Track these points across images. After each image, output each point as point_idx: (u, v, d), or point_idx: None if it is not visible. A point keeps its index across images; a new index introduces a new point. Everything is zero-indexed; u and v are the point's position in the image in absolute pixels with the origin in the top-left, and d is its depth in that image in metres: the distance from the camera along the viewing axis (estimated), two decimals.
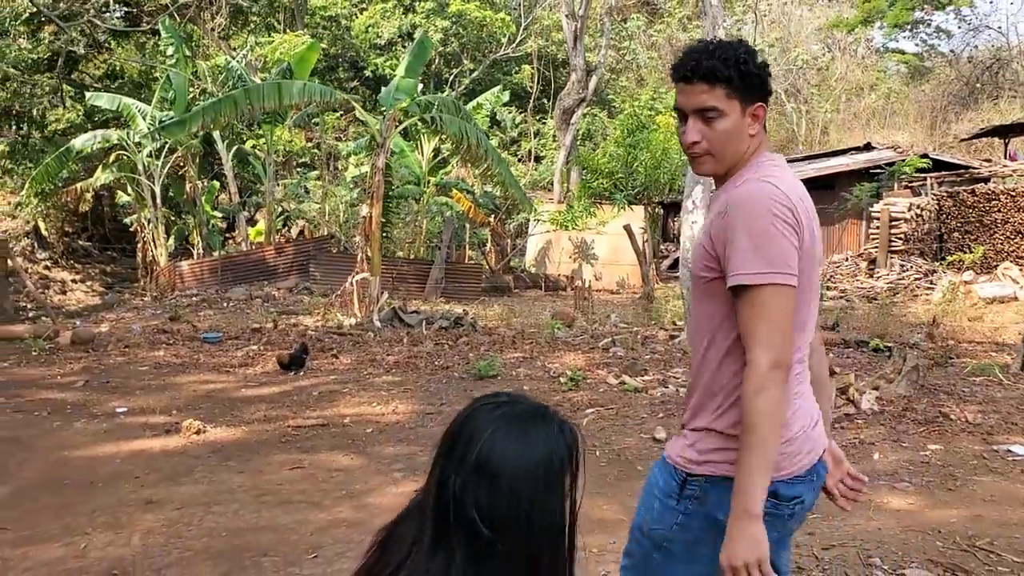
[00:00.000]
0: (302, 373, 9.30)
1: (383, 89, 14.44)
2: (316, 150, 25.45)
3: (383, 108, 13.47)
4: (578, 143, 27.48)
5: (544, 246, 21.43)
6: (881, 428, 6.68)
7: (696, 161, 2.10)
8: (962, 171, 20.69)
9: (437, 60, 32.52)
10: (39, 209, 23.60)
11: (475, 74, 32.56)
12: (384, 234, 13.45)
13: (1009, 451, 6.14)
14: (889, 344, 10.01)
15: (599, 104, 33.56)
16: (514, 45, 32.92)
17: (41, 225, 25.44)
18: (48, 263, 26.09)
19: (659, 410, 7.43)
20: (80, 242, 27.82)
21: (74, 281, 25.69)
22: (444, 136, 13.25)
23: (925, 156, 23.05)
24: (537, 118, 32.81)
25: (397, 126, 13.33)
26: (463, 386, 8.56)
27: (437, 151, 19.92)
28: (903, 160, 21.82)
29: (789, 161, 26.23)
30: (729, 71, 2.01)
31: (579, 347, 10.85)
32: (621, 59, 36.59)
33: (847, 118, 41.77)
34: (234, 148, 21.49)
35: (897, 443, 6.30)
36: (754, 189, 2.00)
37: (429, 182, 19.28)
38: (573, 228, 19.11)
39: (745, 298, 1.96)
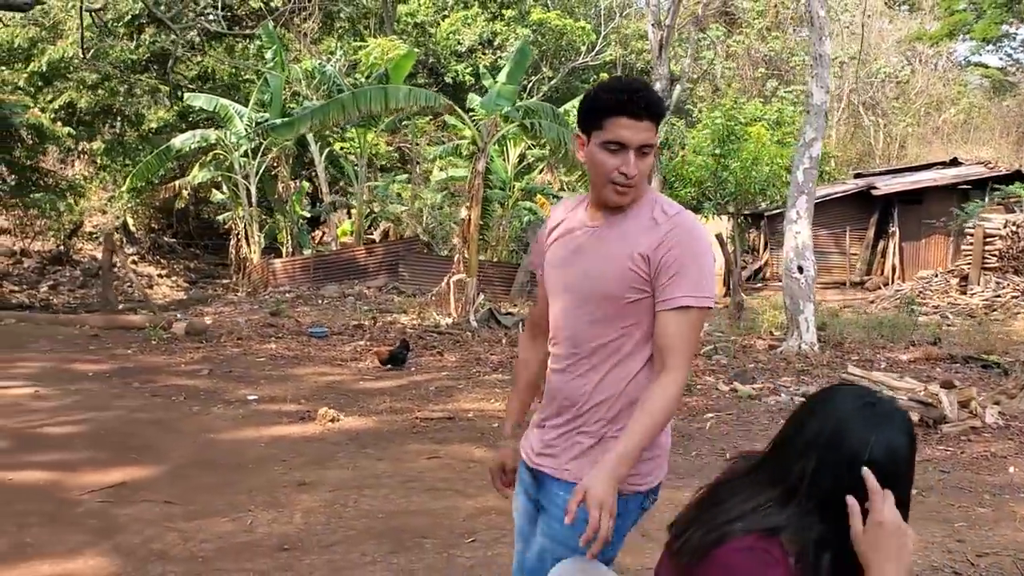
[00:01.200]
0: (402, 370, 9.50)
1: (484, 94, 14.72)
2: (395, 153, 25.89)
3: (481, 113, 13.73)
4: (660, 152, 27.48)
5: None
6: (1010, 442, 6.64)
7: (624, 193, 2.13)
8: None
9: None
10: (128, 205, 24.36)
11: (554, 82, 32.72)
12: (480, 237, 13.69)
13: None
14: (999, 360, 9.88)
15: (676, 113, 33.47)
16: (593, 54, 33.01)
17: (129, 221, 26.28)
18: (135, 258, 26.95)
19: (778, 417, 7.48)
20: (165, 238, 28.65)
21: (160, 276, 26.46)
22: (542, 142, 13.44)
23: (1018, 172, 22.60)
24: None
25: (497, 131, 13.58)
26: None
27: (522, 157, 20.14)
28: (994, 174, 21.46)
29: (872, 175, 25.92)
30: (663, 112, 2.16)
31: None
32: (698, 69, 36.44)
33: (926, 132, 40.96)
34: (326, 150, 21.99)
35: None
36: (695, 224, 2.16)
37: (514, 187, 19.50)
38: None
39: (684, 317, 2.10)
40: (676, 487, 5.60)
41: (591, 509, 1.93)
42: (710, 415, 7.47)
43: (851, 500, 1.61)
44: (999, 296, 16.48)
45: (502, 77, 14.40)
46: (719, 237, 15.24)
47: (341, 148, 22.74)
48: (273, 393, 8.13)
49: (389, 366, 9.56)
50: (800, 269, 11.04)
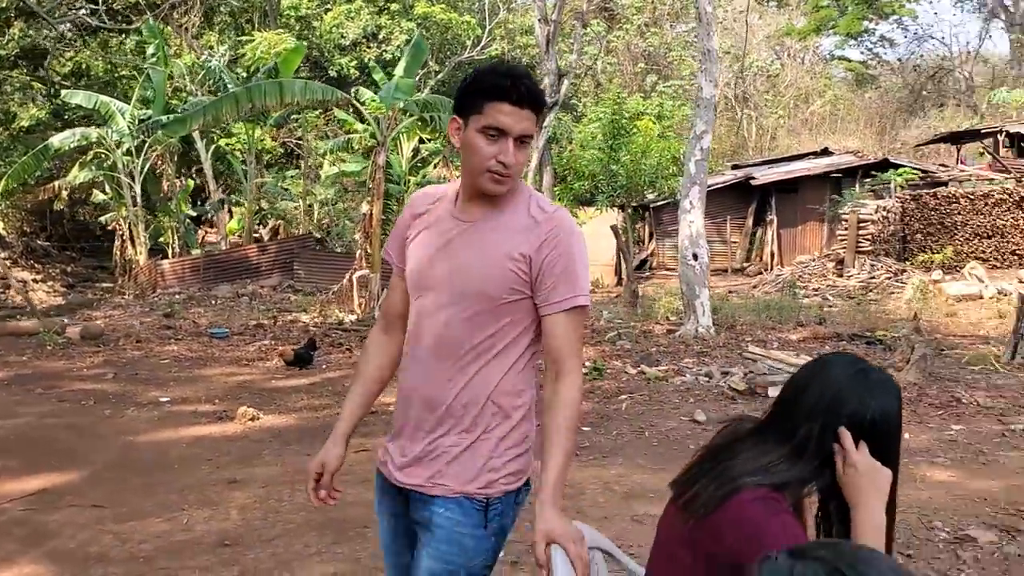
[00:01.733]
0: (311, 368, 9.42)
1: (374, 88, 14.71)
2: (280, 148, 25.42)
3: (379, 106, 13.70)
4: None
5: None
6: (903, 411, 7.14)
7: (500, 182, 2.04)
8: (925, 175, 21.55)
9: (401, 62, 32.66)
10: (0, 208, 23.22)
11: (440, 76, 32.74)
12: (382, 232, 13.70)
13: None
14: (881, 337, 10.55)
15: (563, 108, 34.00)
16: (478, 48, 33.17)
17: (0, 224, 25.04)
18: (8, 263, 25.67)
19: (688, 396, 7.83)
20: (39, 242, 27.39)
21: (35, 280, 25.30)
22: (441, 135, 13.52)
23: (886, 161, 23.98)
24: None
25: (396, 125, 13.59)
26: None
27: (416, 151, 20.14)
28: (864, 163, 22.75)
29: (748, 166, 26.97)
30: (544, 102, 2.08)
31: (585, 340, 11.21)
32: (582, 64, 37.10)
33: (796, 124, 42.75)
34: (212, 147, 21.44)
35: (923, 424, 6.78)
36: (573, 222, 2.13)
37: (409, 181, 19.50)
38: None
39: (572, 317, 2.07)
40: (602, 465, 5.86)
41: (568, 546, 1.92)
42: (624, 397, 7.76)
43: (836, 448, 1.82)
44: (874, 278, 17.48)
45: (399, 71, 14.41)
46: (614, 229, 15.67)
47: (227, 144, 22.22)
48: (185, 394, 8.00)
49: (298, 367, 9.44)
50: (695, 256, 11.50)
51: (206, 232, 26.40)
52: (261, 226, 24.24)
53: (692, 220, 11.70)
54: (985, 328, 12.24)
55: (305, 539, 4.60)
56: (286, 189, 23.11)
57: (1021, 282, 15.37)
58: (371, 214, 13.04)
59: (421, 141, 20.34)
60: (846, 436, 1.83)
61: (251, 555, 4.33)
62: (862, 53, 49.07)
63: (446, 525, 2.08)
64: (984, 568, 4.25)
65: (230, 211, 25.02)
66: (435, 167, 20.34)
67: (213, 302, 16.89)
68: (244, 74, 21.69)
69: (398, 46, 31.49)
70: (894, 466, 1.86)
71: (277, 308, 15.33)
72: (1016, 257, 18.24)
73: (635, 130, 18.59)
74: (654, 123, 19.44)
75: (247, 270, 20.09)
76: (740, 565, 1.75)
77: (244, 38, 22.56)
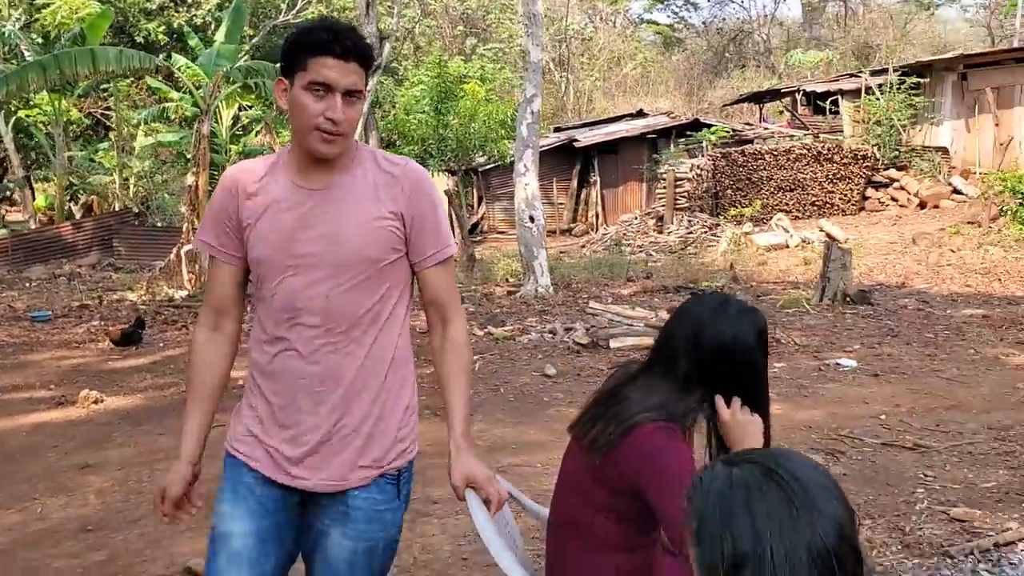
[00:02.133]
0: (142, 347, 9.09)
1: (189, 54, 14.12)
2: (88, 119, 23.93)
3: (198, 73, 13.18)
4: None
5: None
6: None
7: (330, 141, 1.96)
8: (733, 134, 22.86)
9: (213, 26, 31.30)
10: None
11: (255, 40, 31.61)
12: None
13: (838, 364, 7.38)
14: (705, 287, 11.26)
15: (384, 72, 33.62)
16: (294, 12, 32.23)
17: None
18: None
19: (536, 352, 8.14)
20: None
21: None
22: (268, 102, 13.15)
23: (697, 121, 25.24)
24: None
25: (220, 92, 13.10)
26: None
27: (236, 118, 19.47)
28: (677, 123, 23.88)
29: (570, 128, 27.71)
30: (371, 57, 2.00)
31: None
32: (402, 28, 36.76)
33: (610, 87, 44.10)
34: (11, 120, 19.88)
35: None
36: (424, 170, 2.13)
37: (231, 150, 18.86)
38: None
39: (447, 266, 2.13)
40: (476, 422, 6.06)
41: (488, 488, 2.02)
42: (476, 357, 7.96)
43: (718, 399, 2.06)
44: (691, 232, 18.49)
45: (220, 36, 13.88)
46: (448, 193, 15.81)
47: (28, 116, 20.67)
48: (15, 381, 7.56)
49: (127, 346, 9.04)
50: (531, 218, 11.83)
51: (6, 211, 24.55)
52: (72, 202, 22.77)
53: (527, 183, 12.01)
54: (794, 274, 13.28)
55: None
56: (98, 162, 21.78)
57: (822, 231, 16.68)
58: (196, 185, 12.58)
59: (241, 108, 19.67)
60: (719, 401, 2.07)
61: (119, 537, 4.25)
62: (668, 16, 51.17)
63: (364, 507, 2.05)
64: None
65: (32, 188, 23.34)
66: (257, 135, 19.75)
67: (27, 284, 15.81)
68: (42, 41, 20.20)
69: (209, 10, 30.17)
70: (761, 392, 2.11)
71: (100, 288, 14.55)
72: (816, 208, 19.73)
73: (462, 93, 18.72)
74: (480, 86, 19.64)
75: (62, 249, 18.89)
76: (639, 489, 1.97)
77: (40, 1, 20.96)
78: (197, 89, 12.77)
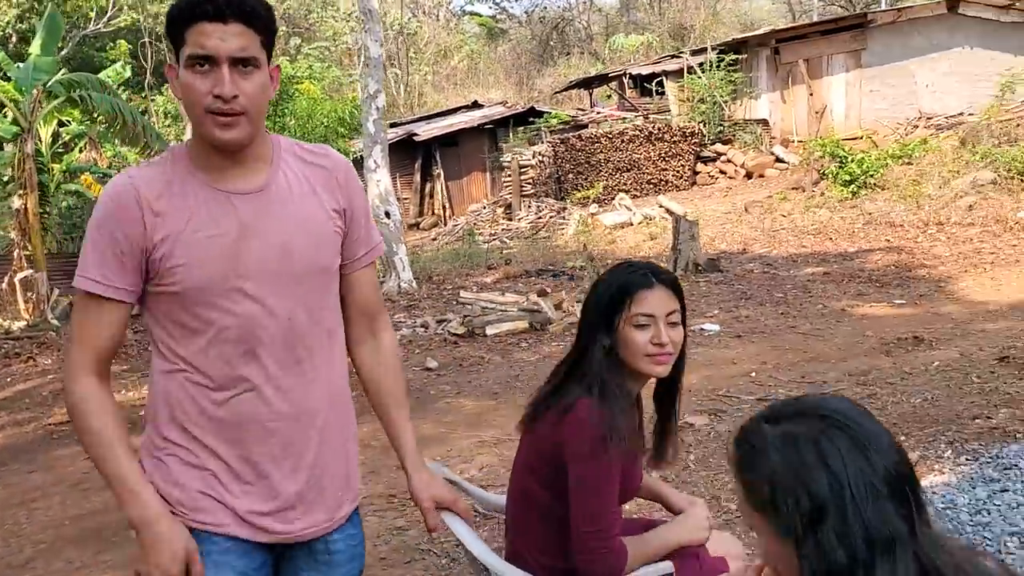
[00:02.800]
0: None
1: (16, 68, 13.21)
2: None
3: (15, 89, 12.35)
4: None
5: None
6: None
7: (228, 124, 1.64)
8: (569, 120, 23.44)
9: (14, 39, 29.35)
10: None
11: (65, 52, 29.85)
12: (43, 226, 12.44)
13: (703, 329, 7.77)
14: (563, 269, 11.57)
15: None
16: (105, 19, 30.66)
17: None
18: None
19: (413, 347, 8.15)
20: None
21: None
22: (96, 116, 12.46)
23: (532, 109, 25.73)
24: (142, 95, 30.99)
25: (42, 108, 12.32)
26: None
27: (56, 135, 18.32)
28: (513, 112, 24.29)
29: (407, 123, 27.66)
30: (265, 16, 1.69)
31: None
32: None
33: (440, 80, 44.26)
34: None
35: None
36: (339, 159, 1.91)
37: (53, 168, 17.76)
38: None
39: (373, 268, 1.97)
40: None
41: (457, 506, 2.02)
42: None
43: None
44: (540, 217, 18.87)
45: (35, 48, 13.00)
46: None
47: None
48: None
49: None
50: (387, 214, 11.79)
51: None
52: None
53: (379, 179, 11.95)
54: (643, 249, 13.81)
55: (65, 555, 4.34)
56: None
57: (662, 206, 17.39)
58: (26, 208, 11.81)
59: (61, 124, 18.53)
60: None
61: None
62: (490, 7, 51.76)
63: (345, 549, 1.90)
64: (705, 446, 5.02)
65: None
66: (81, 151, 18.68)
67: None
68: None
69: (8, 22, 28.34)
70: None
71: None
72: (652, 186, 20.54)
73: (297, 94, 18.39)
74: (315, 85, 19.34)
75: None
76: (565, 460, 2.06)
77: None
78: (16, 106, 11.97)
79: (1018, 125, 16.33)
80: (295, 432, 1.77)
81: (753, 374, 6.42)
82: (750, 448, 1.21)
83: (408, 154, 25.15)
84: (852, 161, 15.36)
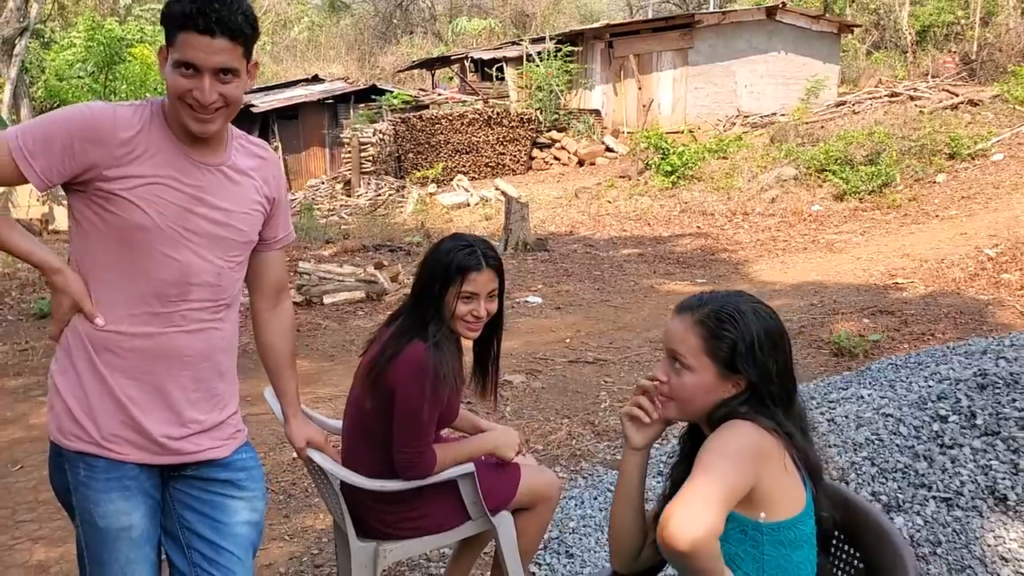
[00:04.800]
0: None
1: None
2: None
3: None
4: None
5: (5, 191, 19.78)
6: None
7: (204, 121, 1.91)
8: (412, 100, 23.73)
9: None
10: None
11: None
12: None
13: (527, 301, 8.44)
14: (400, 245, 12.01)
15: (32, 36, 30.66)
16: None
17: None
18: None
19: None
20: None
21: None
22: None
23: (374, 87, 25.83)
24: None
25: None
26: (27, 324, 8.51)
27: None
28: (355, 89, 24.36)
29: (246, 93, 27.49)
30: (249, 30, 1.90)
31: None
32: None
33: (279, 51, 43.36)
34: None
35: None
36: (273, 154, 2.23)
37: None
38: None
39: (283, 250, 2.31)
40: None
41: (326, 448, 2.53)
42: None
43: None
44: (380, 195, 19.17)
45: None
46: None
47: None
48: None
49: None
50: None
51: None
52: None
53: None
54: (478, 228, 14.44)
55: None
56: None
57: (498, 189, 18.07)
58: None
59: None
60: None
61: None
62: None
63: (252, 465, 2.18)
64: (520, 400, 5.64)
65: None
66: None
67: None
68: None
69: None
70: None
71: None
72: (489, 169, 21.20)
73: (130, 58, 17.85)
74: (150, 50, 18.82)
75: None
76: (395, 390, 2.56)
77: None
78: None
79: (821, 127, 17.96)
80: (204, 369, 2.06)
81: (567, 340, 7.12)
82: (723, 313, 1.79)
83: (244, 125, 24.66)
84: (673, 153, 16.50)
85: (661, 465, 3.99)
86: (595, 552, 3.43)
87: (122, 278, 1.96)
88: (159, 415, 2.01)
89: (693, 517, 1.49)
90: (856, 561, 1.80)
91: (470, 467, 2.68)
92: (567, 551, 3.47)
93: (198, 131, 1.93)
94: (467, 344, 2.77)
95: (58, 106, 18.86)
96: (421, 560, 3.55)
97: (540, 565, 3.38)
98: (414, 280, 2.72)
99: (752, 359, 1.72)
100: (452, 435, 3.00)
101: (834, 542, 1.85)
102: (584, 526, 3.64)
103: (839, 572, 1.84)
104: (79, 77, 20.52)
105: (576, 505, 3.84)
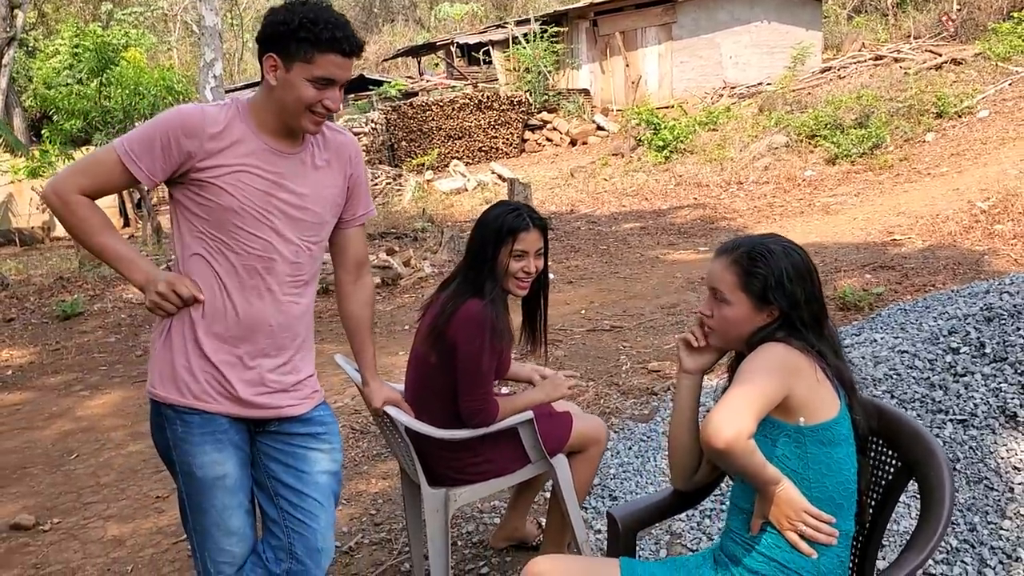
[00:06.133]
0: None
1: None
2: None
3: None
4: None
5: (5, 200, 19.92)
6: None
7: (319, 123, 2.19)
8: (403, 88, 23.88)
9: None
10: None
11: None
12: None
13: None
14: (407, 232, 12.23)
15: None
16: None
17: None
18: None
19: None
20: None
21: None
22: None
23: (362, 76, 25.98)
24: None
25: None
26: (53, 325, 8.73)
27: None
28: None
29: (231, 91, 27.34)
30: (363, 48, 2.20)
31: None
32: None
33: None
34: None
35: None
36: (351, 136, 2.45)
37: None
38: (42, 176, 18.34)
39: (363, 226, 2.52)
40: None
41: (403, 404, 2.82)
42: None
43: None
44: (377, 184, 19.32)
45: None
46: None
47: None
48: None
49: None
50: None
51: None
52: None
53: None
54: (479, 212, 14.61)
55: None
56: None
57: (494, 173, 18.29)
58: None
59: None
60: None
61: None
62: None
63: (330, 421, 2.44)
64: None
65: None
66: None
67: None
68: None
69: None
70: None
71: None
72: (483, 153, 21.40)
73: (123, 62, 17.97)
74: (141, 54, 18.94)
75: None
76: (457, 343, 2.81)
77: None
78: None
79: (808, 93, 18.18)
80: (279, 338, 2.29)
81: (583, 311, 7.38)
82: (755, 253, 2.02)
83: None
84: (665, 128, 16.73)
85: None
86: (635, 494, 3.70)
87: (215, 255, 2.20)
88: (244, 376, 2.25)
89: (728, 420, 1.74)
90: (895, 460, 2.06)
91: (529, 414, 2.93)
92: (610, 495, 3.74)
93: (314, 131, 2.21)
94: (515, 306, 3.02)
95: (52, 114, 19.12)
96: (474, 512, 3.81)
97: (587, 509, 3.64)
98: (467, 246, 2.96)
99: (782, 290, 1.97)
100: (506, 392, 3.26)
101: (873, 445, 2.11)
102: (624, 472, 3.91)
103: (880, 470, 2.10)
104: (67, 84, 20.61)
105: (613, 455, 4.10)
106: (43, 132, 18.83)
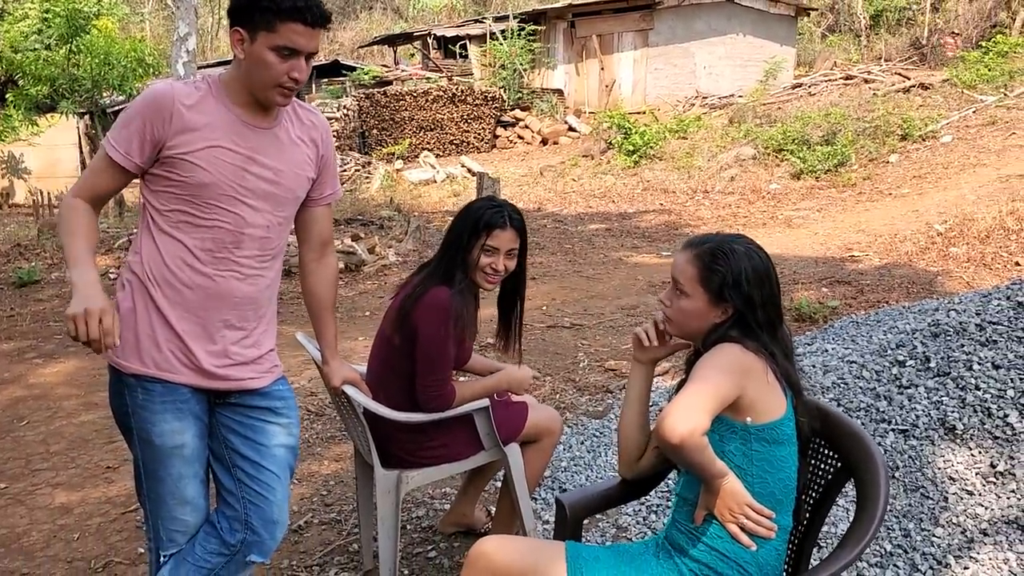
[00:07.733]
0: None
1: None
2: None
3: None
4: None
5: None
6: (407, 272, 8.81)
7: (288, 96, 2.20)
8: (375, 77, 23.77)
9: None
10: None
11: None
12: None
13: None
14: (372, 219, 12.22)
15: None
16: None
17: None
18: None
19: None
20: None
21: None
22: None
23: (336, 62, 25.83)
24: None
25: None
26: (8, 292, 8.62)
27: None
28: (317, 64, 24.29)
29: (204, 67, 27.06)
30: (331, 20, 2.22)
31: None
32: None
33: None
34: None
35: None
36: (322, 117, 2.46)
37: None
38: (4, 141, 18.05)
39: (330, 206, 2.55)
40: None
41: (361, 384, 2.81)
42: None
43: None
44: (345, 170, 19.25)
45: None
46: (89, 137, 15.10)
47: None
48: None
49: None
50: None
51: None
52: None
53: None
54: (447, 204, 14.68)
55: None
56: None
57: (464, 166, 18.30)
58: None
59: None
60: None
61: None
62: None
63: (288, 396, 2.46)
64: (505, 361, 5.92)
65: None
66: None
67: None
68: None
69: None
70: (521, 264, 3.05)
71: None
72: (454, 146, 21.41)
73: (94, 30, 17.68)
74: (113, 24, 18.65)
75: None
76: (418, 327, 2.85)
77: None
78: None
79: (778, 108, 18.43)
80: (244, 309, 2.32)
81: (545, 308, 7.44)
82: (718, 250, 2.06)
83: None
84: (635, 133, 16.85)
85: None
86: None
87: (187, 228, 2.22)
88: (207, 347, 2.26)
89: (684, 417, 1.80)
90: (835, 461, 2.14)
91: (485, 402, 2.98)
92: (560, 487, 3.80)
93: (282, 104, 2.22)
94: (490, 300, 3.06)
95: (18, 79, 18.75)
96: (425, 497, 3.85)
97: (536, 499, 3.69)
98: (445, 233, 3.00)
99: (738, 290, 2.03)
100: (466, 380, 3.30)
101: (813, 445, 2.18)
102: (575, 465, 3.97)
103: (820, 470, 2.18)
104: (35, 49, 20.20)
105: (565, 449, 4.17)
106: (8, 96, 18.48)
